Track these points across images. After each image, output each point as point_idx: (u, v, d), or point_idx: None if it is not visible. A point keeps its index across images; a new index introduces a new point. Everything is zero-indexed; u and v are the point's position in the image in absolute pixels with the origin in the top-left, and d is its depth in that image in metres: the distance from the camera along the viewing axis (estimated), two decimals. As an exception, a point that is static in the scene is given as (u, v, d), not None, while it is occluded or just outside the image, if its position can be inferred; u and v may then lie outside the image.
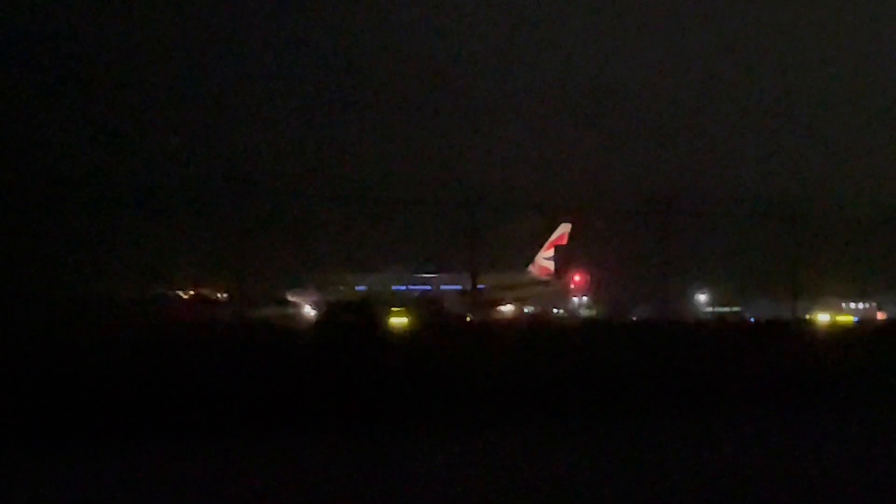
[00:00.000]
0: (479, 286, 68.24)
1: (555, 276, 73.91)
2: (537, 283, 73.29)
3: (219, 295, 60.22)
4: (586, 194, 72.10)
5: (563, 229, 76.10)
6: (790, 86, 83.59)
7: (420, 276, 70.19)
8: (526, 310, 68.86)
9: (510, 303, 69.54)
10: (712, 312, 60.03)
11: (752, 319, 54.72)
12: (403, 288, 68.74)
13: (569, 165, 75.09)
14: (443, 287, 68.92)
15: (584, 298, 71.93)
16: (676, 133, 77.16)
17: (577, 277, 72.05)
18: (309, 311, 65.03)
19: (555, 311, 68.11)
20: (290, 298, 67.41)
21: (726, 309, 61.31)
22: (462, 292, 67.65)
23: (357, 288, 67.23)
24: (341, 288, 67.11)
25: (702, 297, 61.76)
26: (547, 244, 76.00)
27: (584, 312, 67.05)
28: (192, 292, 62.91)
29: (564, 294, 70.83)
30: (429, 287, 69.41)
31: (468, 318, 53.48)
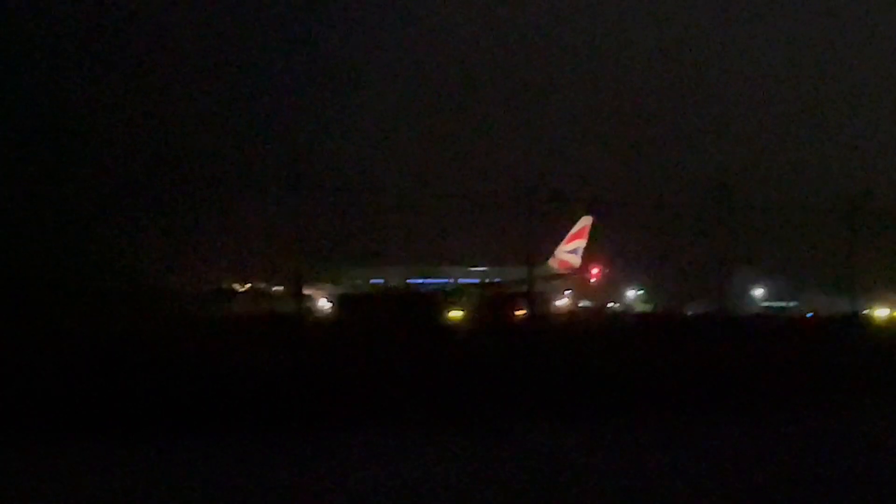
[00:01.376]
0: (496, 279, 67.94)
1: (577, 270, 72.85)
2: (555, 276, 72.21)
3: (274, 288, 60.70)
4: (636, 185, 71.18)
5: (585, 222, 74.50)
6: (852, 72, 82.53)
7: (438, 268, 68.52)
8: (581, 304, 68.27)
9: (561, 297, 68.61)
10: (768, 307, 59.36)
11: (810, 315, 54.10)
12: (420, 281, 68.01)
13: (610, 155, 74.46)
14: (461, 280, 68.08)
15: (640, 292, 71.20)
16: (732, 121, 76.31)
17: (594, 271, 71.27)
18: (324, 304, 64.31)
19: (609, 305, 67.50)
20: (303, 291, 66.30)
21: (782, 303, 60.59)
22: (482, 285, 67.03)
23: (372, 281, 66.49)
24: (357, 281, 66.37)
25: (757, 292, 61.08)
26: (568, 237, 75.12)
27: (640, 307, 66.38)
28: (248, 286, 63.15)
29: (584, 288, 69.50)
30: (447, 280, 68.05)
31: (523, 312, 53.02)
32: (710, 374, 22.79)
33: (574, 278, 71.97)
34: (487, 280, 68.38)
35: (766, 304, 60.77)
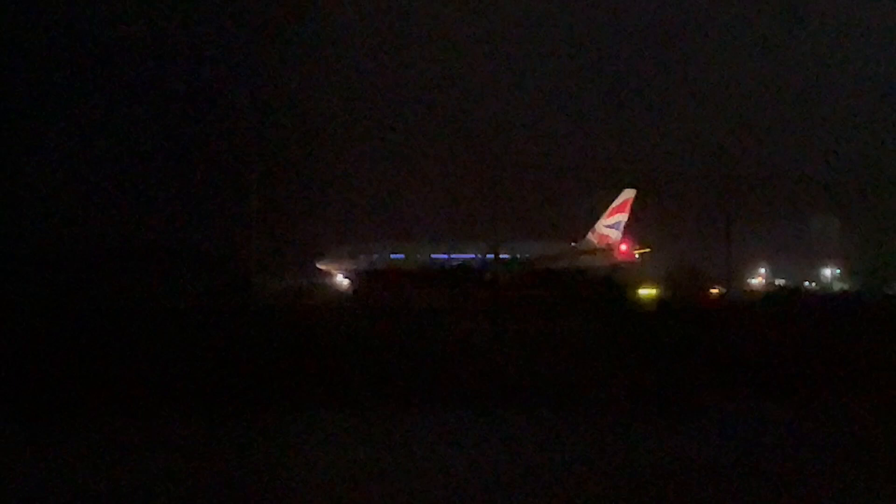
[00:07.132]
0: (526, 255, 66.13)
1: (616, 245, 69.98)
2: (584, 252, 70.53)
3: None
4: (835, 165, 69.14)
5: (627, 195, 73.06)
6: None
7: (464, 244, 67.95)
8: (777, 282, 67.11)
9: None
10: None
11: None
12: (445, 257, 66.57)
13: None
14: (488, 256, 66.31)
15: (837, 271, 69.38)
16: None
17: (623, 247, 68.76)
18: (341, 280, 63.43)
19: (805, 284, 66.11)
20: (319, 267, 66.93)
21: None
22: (518, 260, 64.68)
23: (392, 256, 66.36)
24: (375, 256, 66.38)
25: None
26: (609, 211, 73.31)
27: (837, 286, 64.99)
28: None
29: (612, 264, 66.85)
30: (473, 255, 66.88)
31: (716, 291, 52.18)
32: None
33: (606, 254, 69.40)
34: (519, 256, 67.07)
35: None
